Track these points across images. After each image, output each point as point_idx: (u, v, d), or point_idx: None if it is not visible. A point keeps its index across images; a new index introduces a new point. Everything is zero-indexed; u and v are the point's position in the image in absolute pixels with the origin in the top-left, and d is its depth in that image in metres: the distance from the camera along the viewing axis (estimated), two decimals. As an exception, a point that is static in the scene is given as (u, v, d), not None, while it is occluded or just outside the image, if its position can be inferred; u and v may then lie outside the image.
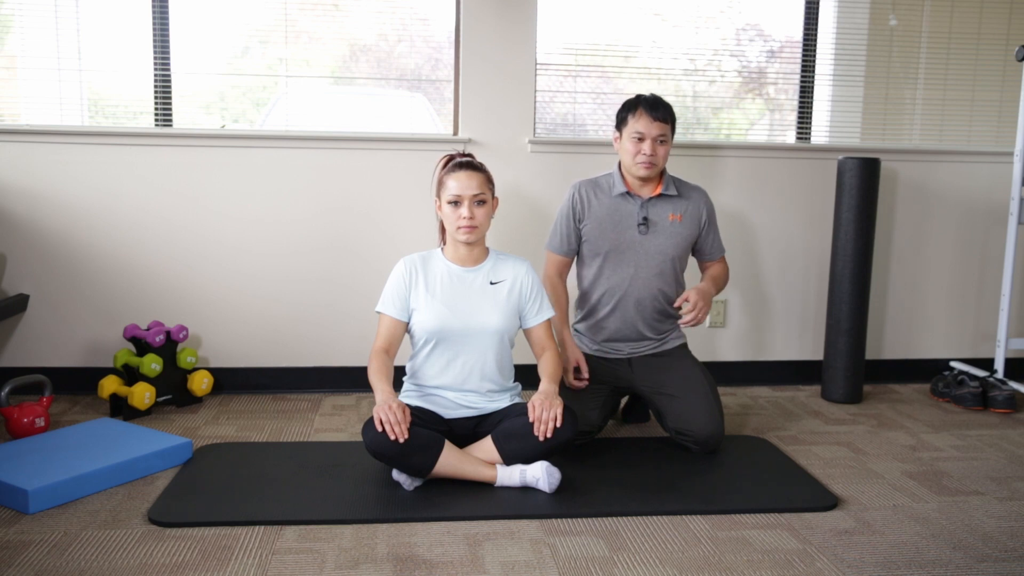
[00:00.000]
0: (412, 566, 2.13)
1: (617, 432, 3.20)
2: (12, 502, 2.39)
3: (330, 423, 3.24)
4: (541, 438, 2.53)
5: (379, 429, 2.45)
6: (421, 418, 2.58)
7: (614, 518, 2.42)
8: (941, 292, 4.03)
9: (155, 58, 3.52)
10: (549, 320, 2.80)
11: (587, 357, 3.07)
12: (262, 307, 3.60)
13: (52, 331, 3.51)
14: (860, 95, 3.96)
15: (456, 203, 2.65)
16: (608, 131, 3.79)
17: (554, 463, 2.58)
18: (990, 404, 3.55)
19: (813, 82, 3.90)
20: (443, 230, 2.77)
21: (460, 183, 2.64)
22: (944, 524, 2.44)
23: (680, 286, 3.12)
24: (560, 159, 3.67)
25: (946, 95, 3.98)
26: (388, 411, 2.45)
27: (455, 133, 3.64)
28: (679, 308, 3.02)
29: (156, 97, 3.54)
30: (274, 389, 3.64)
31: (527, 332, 2.80)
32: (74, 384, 3.51)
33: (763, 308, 3.90)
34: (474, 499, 2.49)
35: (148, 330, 3.37)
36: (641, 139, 2.95)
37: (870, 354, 3.91)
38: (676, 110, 3.03)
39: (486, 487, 2.56)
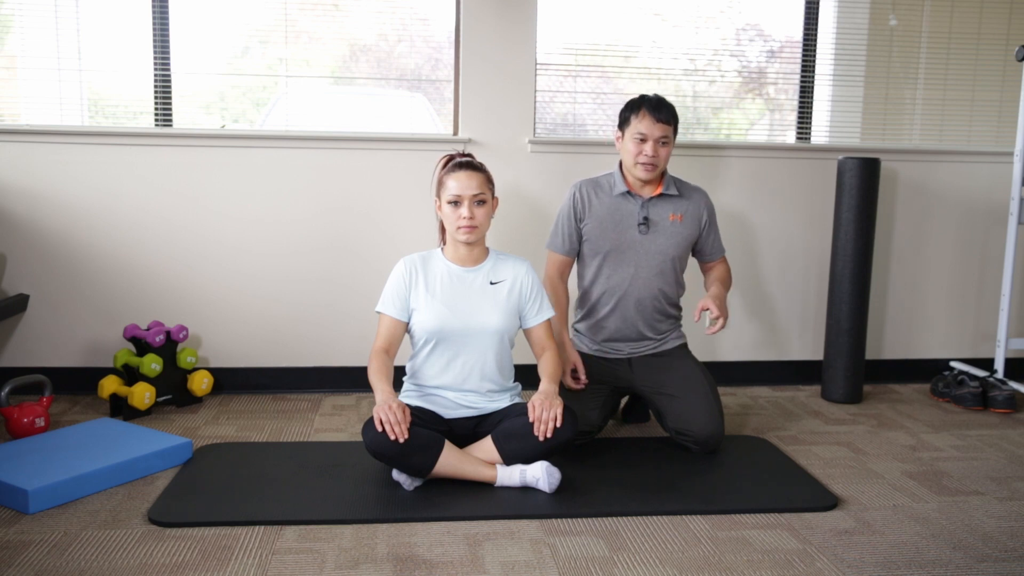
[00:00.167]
0: (412, 566, 2.13)
1: (617, 432, 3.20)
2: (12, 502, 2.39)
3: (330, 423, 3.24)
4: (541, 438, 2.53)
5: (379, 429, 2.45)
6: (421, 418, 2.58)
7: (614, 518, 2.42)
8: (941, 292, 4.03)
9: (155, 58, 3.52)
10: (549, 320, 2.80)
11: (587, 357, 3.07)
12: (262, 307, 3.60)
13: (52, 331, 3.51)
14: (860, 95, 3.96)
15: (456, 203, 2.65)
16: (608, 131, 3.79)
17: (554, 463, 2.58)
18: (990, 404, 3.55)
19: (813, 82, 3.90)
20: (443, 230, 2.77)
21: (460, 183, 2.64)
22: (944, 524, 2.44)
23: (680, 286, 3.12)
24: (560, 159, 3.68)
25: (946, 95, 3.98)
26: (388, 411, 2.45)
27: (455, 133, 3.64)
28: (699, 320, 3.02)
29: (156, 97, 3.54)
30: (274, 389, 3.64)
31: (527, 332, 2.80)
32: (74, 384, 3.51)
33: (763, 308, 3.91)
34: (474, 499, 2.49)
35: (148, 330, 3.37)
36: (643, 140, 2.95)
37: (870, 354, 3.91)
38: (676, 110, 3.03)
39: (486, 487, 2.56)
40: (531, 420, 2.54)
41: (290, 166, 3.54)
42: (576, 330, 3.18)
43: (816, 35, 3.87)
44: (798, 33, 3.88)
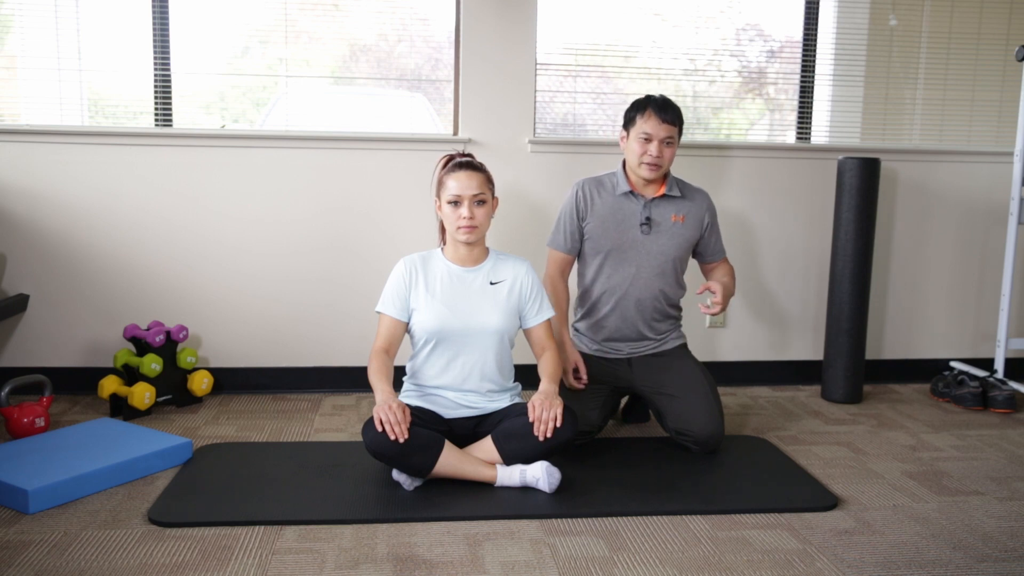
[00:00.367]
0: (412, 566, 2.13)
1: (617, 432, 3.20)
2: (12, 502, 2.39)
3: (330, 423, 3.24)
4: (541, 438, 2.53)
5: (379, 429, 2.45)
6: (421, 418, 2.58)
7: (614, 518, 2.42)
8: (941, 292, 4.03)
9: (155, 58, 3.52)
10: (549, 320, 2.80)
11: (587, 357, 3.07)
12: (262, 307, 3.60)
13: (52, 331, 3.51)
14: (860, 95, 3.96)
15: (456, 203, 2.65)
16: (608, 131, 3.79)
17: (554, 463, 2.58)
18: (990, 404, 3.55)
19: (813, 82, 3.90)
20: (443, 230, 2.77)
21: (460, 183, 2.64)
22: (944, 524, 2.44)
23: (681, 287, 3.12)
24: (560, 159, 3.68)
25: (946, 95, 3.98)
26: (388, 411, 2.45)
27: (455, 133, 3.64)
28: (701, 293, 3.03)
29: (156, 97, 3.54)
30: (274, 389, 3.64)
31: (527, 332, 2.80)
32: (74, 384, 3.51)
33: (763, 308, 3.90)
34: (474, 499, 2.49)
35: (148, 330, 3.37)
36: (648, 140, 2.95)
37: (870, 354, 3.91)
38: (682, 111, 3.02)
39: (486, 487, 2.56)
40: (531, 420, 2.54)
41: (290, 166, 3.54)
42: (576, 329, 3.18)
43: (816, 35, 3.87)
44: (798, 33, 3.88)
